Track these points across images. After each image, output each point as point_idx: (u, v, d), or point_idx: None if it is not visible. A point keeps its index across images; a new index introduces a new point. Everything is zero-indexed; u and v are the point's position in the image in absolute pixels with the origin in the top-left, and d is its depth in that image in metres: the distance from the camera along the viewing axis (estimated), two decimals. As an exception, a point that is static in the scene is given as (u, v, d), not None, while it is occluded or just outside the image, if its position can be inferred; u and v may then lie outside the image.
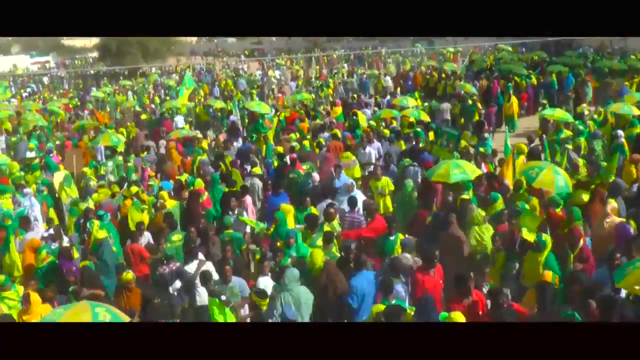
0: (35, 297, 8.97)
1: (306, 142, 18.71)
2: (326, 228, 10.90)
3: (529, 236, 9.82)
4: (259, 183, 14.95)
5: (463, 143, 16.52)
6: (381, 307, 8.18)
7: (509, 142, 15.71)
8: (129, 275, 9.80)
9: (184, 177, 15.67)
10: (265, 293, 8.99)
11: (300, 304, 8.84)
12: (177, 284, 10.23)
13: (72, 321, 7.31)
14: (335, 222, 11.40)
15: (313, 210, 12.09)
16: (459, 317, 7.48)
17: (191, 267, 10.26)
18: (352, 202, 12.17)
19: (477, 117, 21.41)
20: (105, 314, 7.36)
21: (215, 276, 9.75)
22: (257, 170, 15.77)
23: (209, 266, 10.14)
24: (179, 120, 26.75)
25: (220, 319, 8.83)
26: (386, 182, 13.79)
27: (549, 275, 8.44)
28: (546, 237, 9.50)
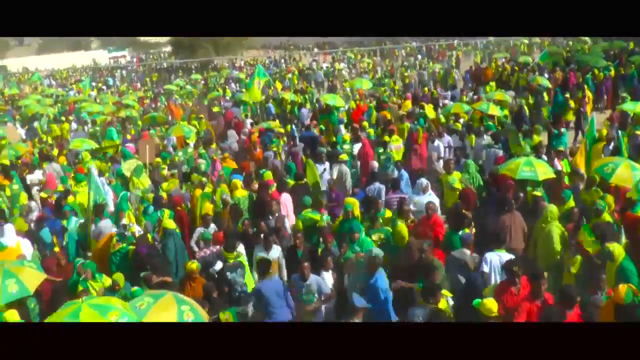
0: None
1: (371, 131, 18.96)
2: (400, 223, 10.83)
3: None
4: (346, 170, 15.15)
5: (536, 139, 16.09)
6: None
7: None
8: (193, 265, 9.91)
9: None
10: (235, 247, 10.02)
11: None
12: (218, 264, 10.52)
13: (157, 318, 7.54)
14: (410, 220, 11.35)
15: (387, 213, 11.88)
16: (491, 304, 7.41)
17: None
18: (395, 183, 13.17)
19: (571, 114, 20.76)
20: (189, 313, 7.65)
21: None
22: (344, 157, 15.92)
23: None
24: (237, 112, 27.13)
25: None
26: (457, 177, 13.55)
27: (622, 290, 7.41)
28: (612, 246, 8.74)
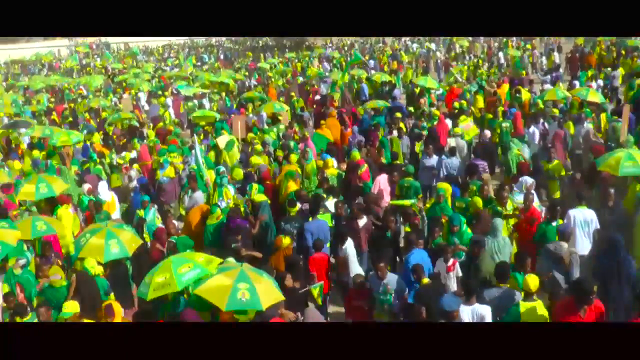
0: (118, 308, 8.52)
1: (464, 103, 19.60)
2: (476, 196, 11.03)
3: None
4: (463, 143, 15.73)
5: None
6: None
7: None
8: (286, 239, 10.05)
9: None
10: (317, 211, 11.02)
11: (504, 252, 9.46)
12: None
13: (208, 291, 7.71)
14: (510, 204, 11.18)
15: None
16: (533, 280, 7.57)
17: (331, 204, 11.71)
18: (479, 151, 14.37)
19: None
20: (245, 292, 7.48)
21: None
22: (458, 130, 16.35)
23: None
24: (324, 90, 27.36)
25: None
26: (558, 166, 13.05)
27: None
28: None
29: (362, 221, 11.03)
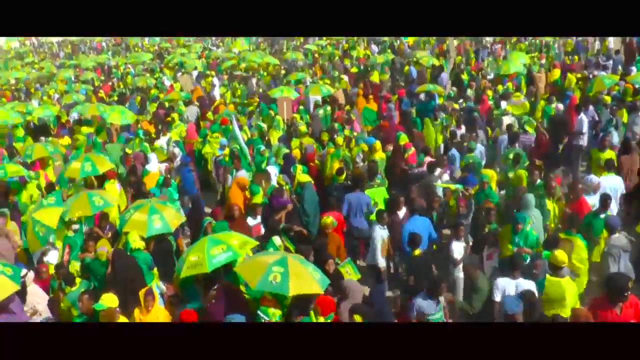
0: (156, 293, 8.46)
1: (509, 85, 19.97)
2: (548, 202, 10.69)
3: None
4: (514, 120, 15.87)
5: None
6: None
7: None
8: (328, 219, 10.04)
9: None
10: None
11: (539, 225, 9.88)
12: None
13: (243, 271, 7.84)
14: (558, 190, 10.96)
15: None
16: (562, 255, 7.74)
17: None
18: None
19: None
20: (277, 275, 7.37)
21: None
22: (509, 108, 16.77)
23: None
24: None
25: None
26: (610, 156, 12.32)
27: None
28: None
29: (402, 212, 10.74)
